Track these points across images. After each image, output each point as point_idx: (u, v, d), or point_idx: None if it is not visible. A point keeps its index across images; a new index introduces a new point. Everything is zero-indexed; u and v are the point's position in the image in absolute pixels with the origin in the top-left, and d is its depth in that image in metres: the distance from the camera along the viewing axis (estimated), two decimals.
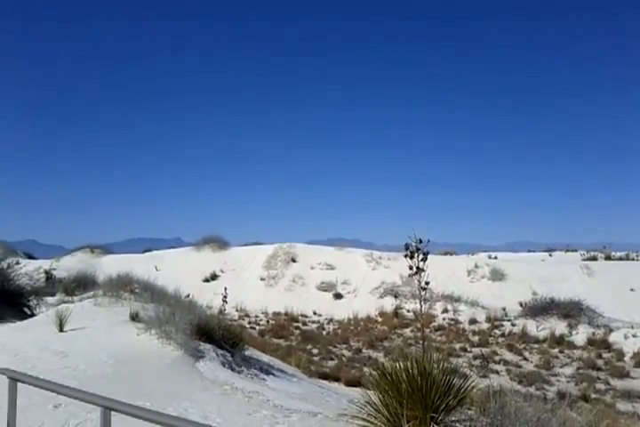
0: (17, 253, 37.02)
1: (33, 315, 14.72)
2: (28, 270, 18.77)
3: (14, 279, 15.73)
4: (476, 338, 21.77)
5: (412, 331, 23.05)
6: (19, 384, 3.37)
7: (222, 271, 31.55)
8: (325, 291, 29.09)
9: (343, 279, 29.67)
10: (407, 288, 26.68)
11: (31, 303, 15.77)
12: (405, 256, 4.99)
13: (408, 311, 25.36)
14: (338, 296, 28.58)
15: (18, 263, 17.85)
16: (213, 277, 30.89)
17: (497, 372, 17.67)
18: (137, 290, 14.27)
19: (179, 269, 29.85)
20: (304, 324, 24.97)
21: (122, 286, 14.25)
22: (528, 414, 5.24)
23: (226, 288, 11.40)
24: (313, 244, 36.11)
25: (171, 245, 42.71)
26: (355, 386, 13.70)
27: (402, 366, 4.93)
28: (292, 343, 21.09)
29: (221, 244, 34.40)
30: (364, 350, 20.62)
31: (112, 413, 2.72)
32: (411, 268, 4.99)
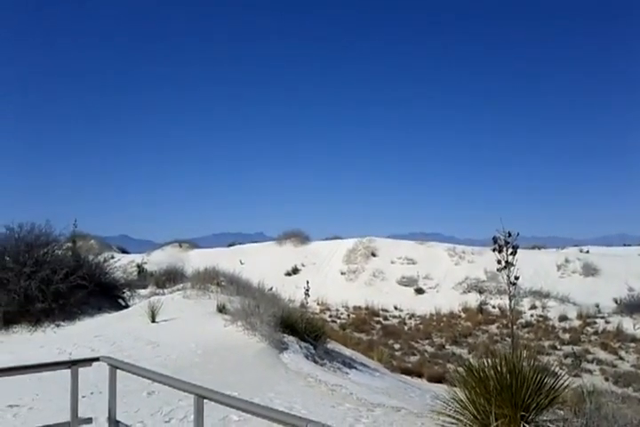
0: (111, 247, 39.24)
1: (127, 306, 15.54)
2: (121, 264, 19.84)
3: (110, 273, 16.63)
4: (566, 336, 20.82)
5: (497, 327, 22.37)
6: (117, 372, 3.55)
7: (303, 265, 31.98)
8: (406, 286, 28.80)
9: (425, 274, 29.25)
10: (493, 284, 25.93)
11: (125, 295, 16.63)
12: (493, 250, 4.82)
13: (493, 307, 24.65)
14: (419, 291, 28.22)
15: (112, 257, 18.89)
16: (295, 270, 31.37)
17: (590, 371, 16.82)
18: (223, 283, 14.72)
19: (262, 263, 30.55)
20: (385, 318, 24.85)
21: (209, 279, 14.76)
22: (627, 417, 4.95)
23: (308, 282, 11.54)
24: (393, 238, 35.82)
25: (254, 239, 43.75)
26: (438, 382, 13.48)
27: (489, 362, 4.79)
28: (374, 338, 21.04)
29: (302, 238, 34.87)
30: (447, 346, 20.24)
31: (204, 401, 2.81)
32: (499, 262, 4.82)
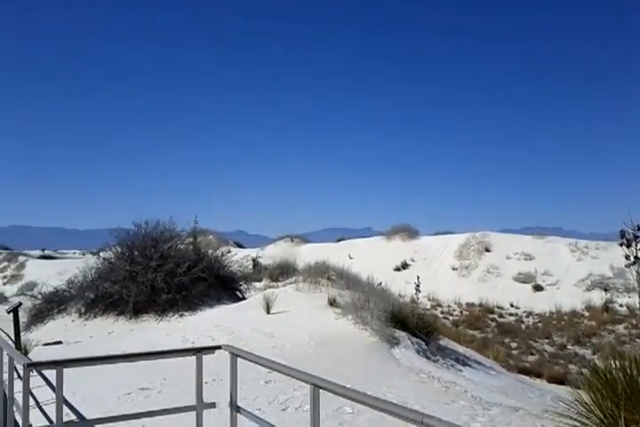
0: (228, 242, 41.13)
1: (244, 298, 16.23)
2: (237, 258, 20.79)
3: (228, 266, 17.47)
4: None
5: (625, 328, 20.79)
6: (238, 360, 3.74)
7: (413, 260, 31.58)
8: (524, 282, 27.53)
9: (543, 270, 27.79)
10: (620, 280, 24.11)
11: (242, 288, 17.39)
12: (620, 245, 4.50)
13: (621, 306, 22.91)
14: (538, 288, 26.87)
15: (229, 252, 19.87)
16: (404, 266, 31.07)
17: None
18: (333, 277, 14.93)
19: (370, 258, 30.57)
20: (500, 316, 23.95)
21: (319, 273, 15.02)
22: None
23: (418, 277, 11.40)
24: (506, 233, 34.35)
25: (361, 234, 43.88)
26: (559, 383, 12.80)
27: (618, 364, 4.47)
28: (488, 336, 20.38)
29: (411, 233, 34.40)
30: (568, 346, 19.14)
31: (320, 391, 2.87)
32: (627, 257, 4.48)
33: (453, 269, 30.02)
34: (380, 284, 15.82)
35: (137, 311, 14.46)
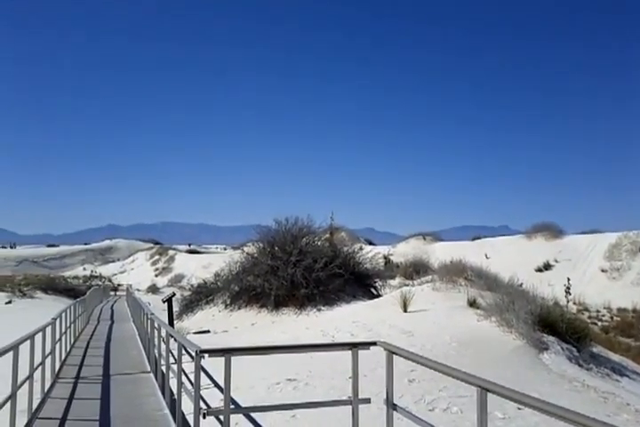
0: (359, 239, 41.54)
1: (379, 295, 16.27)
2: (368, 255, 20.85)
3: (362, 263, 17.62)
4: None
5: None
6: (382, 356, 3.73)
7: (556, 261, 29.72)
8: None
9: None
10: None
11: (377, 284, 17.45)
12: None
13: None
14: None
15: (361, 249, 19.98)
16: (546, 266, 29.34)
17: None
18: (471, 277, 14.46)
19: (508, 258, 29.28)
20: None
21: (456, 272, 14.62)
22: None
23: (569, 279, 10.69)
24: None
25: (498, 232, 42.21)
26: None
27: None
28: None
29: (555, 232, 32.39)
30: None
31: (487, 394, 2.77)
32: None
33: (602, 270, 27.80)
34: (521, 285, 15.06)
35: (278, 304, 15.07)
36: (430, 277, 15.52)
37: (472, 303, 11.29)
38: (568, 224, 43.14)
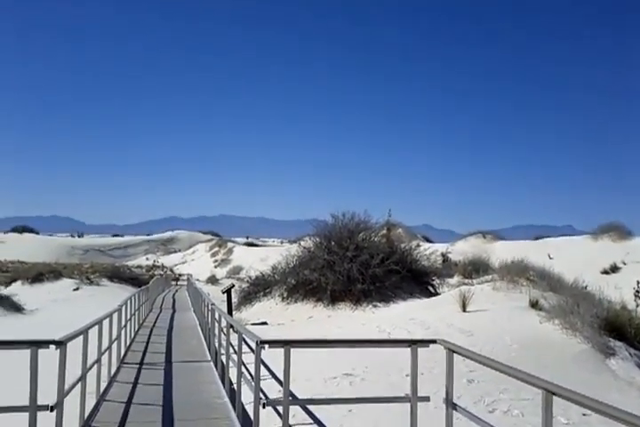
0: (416, 236, 41.05)
1: (436, 293, 16.05)
2: (426, 253, 20.58)
3: (419, 260, 17.43)
4: None
5: None
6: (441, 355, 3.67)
7: (624, 263, 28.41)
8: None
9: None
10: None
11: (434, 282, 17.22)
12: None
13: None
14: None
15: (419, 246, 19.75)
16: (613, 268, 28.08)
17: None
18: (533, 277, 14.05)
19: (573, 259, 28.23)
20: None
21: (518, 272, 14.23)
22: None
23: (638, 282, 10.20)
24: None
25: (561, 232, 40.83)
26: None
27: None
28: None
29: (623, 233, 30.97)
30: None
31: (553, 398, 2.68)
32: None
33: None
34: (585, 287, 14.51)
35: (334, 299, 15.12)
36: (490, 276, 15.18)
37: (534, 304, 10.97)
38: (637, 225, 41.30)
